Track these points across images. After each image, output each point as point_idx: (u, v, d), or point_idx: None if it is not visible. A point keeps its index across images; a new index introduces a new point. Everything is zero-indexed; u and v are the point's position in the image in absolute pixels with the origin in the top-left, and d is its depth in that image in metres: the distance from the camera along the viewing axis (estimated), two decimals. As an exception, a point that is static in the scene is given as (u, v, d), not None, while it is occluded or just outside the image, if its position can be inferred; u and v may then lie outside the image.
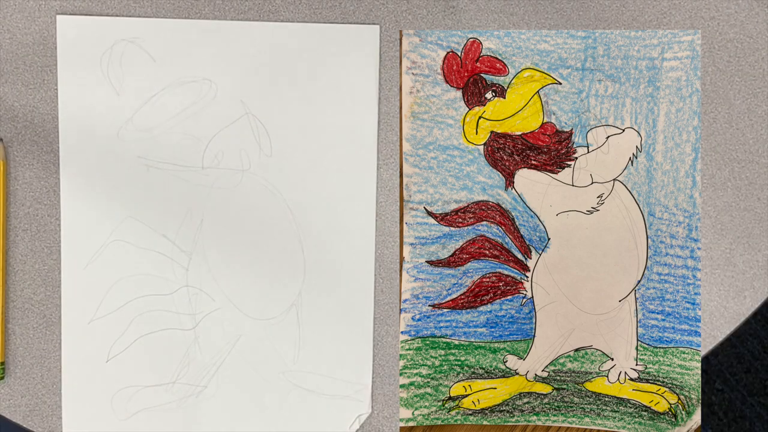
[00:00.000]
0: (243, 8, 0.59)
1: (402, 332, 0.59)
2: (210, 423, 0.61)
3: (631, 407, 0.60)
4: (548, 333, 0.59)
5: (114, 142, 0.59)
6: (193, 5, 0.59)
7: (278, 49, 0.59)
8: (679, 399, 0.60)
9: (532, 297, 0.59)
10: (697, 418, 0.61)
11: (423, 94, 0.58)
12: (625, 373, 0.60)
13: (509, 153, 0.58)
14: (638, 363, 0.60)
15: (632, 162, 0.58)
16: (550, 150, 0.58)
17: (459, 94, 0.58)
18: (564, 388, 0.60)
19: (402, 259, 0.59)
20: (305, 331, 0.60)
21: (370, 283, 0.60)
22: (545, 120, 0.58)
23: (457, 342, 0.59)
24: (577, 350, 0.60)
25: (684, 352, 0.59)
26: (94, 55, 0.58)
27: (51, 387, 0.60)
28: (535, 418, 0.61)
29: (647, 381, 0.60)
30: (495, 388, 0.60)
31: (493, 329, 0.59)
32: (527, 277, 0.59)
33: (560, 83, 0.58)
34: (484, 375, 0.60)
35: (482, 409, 0.60)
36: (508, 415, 0.60)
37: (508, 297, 0.59)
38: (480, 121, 0.58)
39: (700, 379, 0.60)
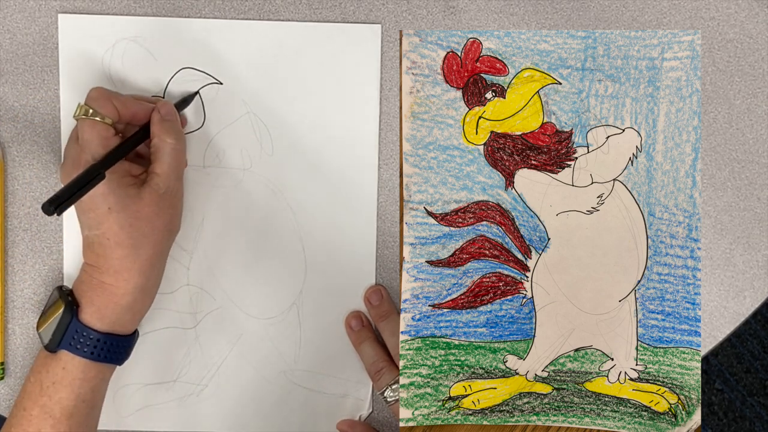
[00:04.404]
0: (244, 8, 0.59)
1: (402, 332, 0.59)
2: (210, 421, 0.60)
3: (631, 407, 0.60)
4: (548, 333, 0.59)
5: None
6: (194, 4, 0.59)
7: (279, 48, 0.59)
8: (679, 399, 0.60)
9: (532, 297, 0.59)
10: (697, 418, 0.61)
11: (423, 94, 0.58)
12: (625, 373, 0.60)
13: (509, 153, 0.58)
14: (638, 363, 0.60)
15: (632, 162, 0.58)
16: (550, 150, 0.58)
17: (459, 94, 0.58)
18: (564, 388, 0.60)
19: (402, 259, 0.59)
20: (306, 330, 0.60)
21: (371, 282, 0.60)
22: (545, 120, 0.58)
23: (457, 342, 0.59)
24: (577, 350, 0.60)
25: (684, 352, 0.59)
26: (96, 54, 0.58)
27: (51, 386, 0.60)
28: (535, 418, 0.61)
29: (647, 381, 0.60)
30: (495, 388, 0.60)
31: (493, 329, 0.59)
32: (527, 277, 0.59)
33: (560, 83, 0.58)
34: (484, 375, 0.60)
35: (482, 409, 0.60)
36: (508, 415, 0.60)
37: (508, 297, 0.59)
38: (480, 121, 0.58)
39: (700, 379, 0.60)
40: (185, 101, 0.58)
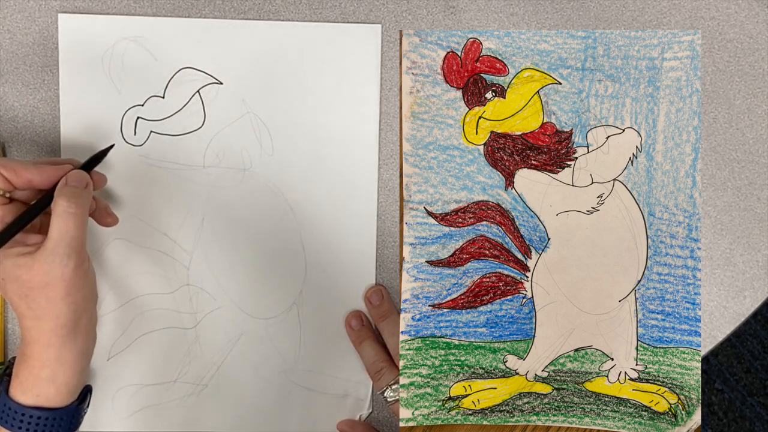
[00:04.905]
0: (243, 8, 0.59)
1: (402, 332, 0.59)
2: (211, 422, 0.60)
3: (631, 407, 0.60)
4: (548, 333, 0.59)
5: (115, 141, 0.59)
6: (194, 4, 0.59)
7: (279, 48, 0.59)
8: (679, 399, 0.60)
9: (532, 297, 0.59)
10: (697, 418, 0.61)
11: (423, 94, 0.58)
12: (625, 373, 0.60)
13: (509, 153, 0.58)
14: (638, 363, 0.60)
15: (632, 162, 0.58)
16: (550, 150, 0.58)
17: (459, 94, 0.58)
18: (564, 388, 0.60)
19: (402, 259, 0.59)
20: (306, 330, 0.60)
21: (371, 282, 0.60)
22: (545, 120, 0.58)
23: (457, 342, 0.59)
24: (577, 350, 0.60)
25: (684, 352, 0.59)
26: (96, 54, 0.58)
27: (51, 387, 0.60)
28: (535, 418, 0.61)
29: (647, 381, 0.60)
30: (495, 388, 0.60)
31: (493, 329, 0.59)
32: (527, 277, 0.59)
33: (560, 83, 0.58)
34: (484, 375, 0.60)
35: (482, 409, 0.60)
36: (508, 415, 0.60)
37: (508, 297, 0.59)
38: (480, 121, 0.58)
39: (700, 379, 0.60)
40: (96, 159, 0.55)
